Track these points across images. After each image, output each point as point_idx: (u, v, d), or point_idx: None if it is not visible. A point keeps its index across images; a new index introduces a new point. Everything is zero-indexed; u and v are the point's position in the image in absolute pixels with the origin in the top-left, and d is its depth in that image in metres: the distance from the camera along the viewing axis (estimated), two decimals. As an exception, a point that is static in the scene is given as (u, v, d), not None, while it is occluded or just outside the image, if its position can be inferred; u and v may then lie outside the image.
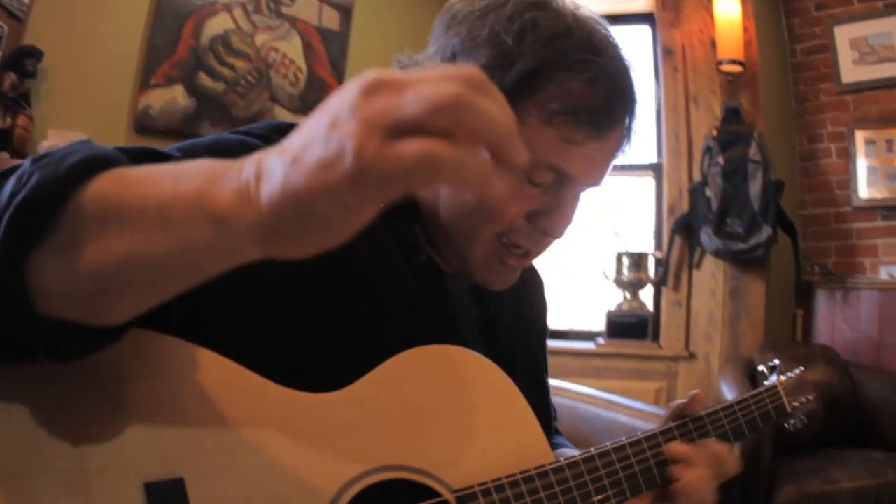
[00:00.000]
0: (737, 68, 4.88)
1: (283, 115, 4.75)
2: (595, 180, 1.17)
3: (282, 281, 1.02)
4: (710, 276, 4.96)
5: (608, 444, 1.23)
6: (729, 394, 4.09)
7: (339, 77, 5.00)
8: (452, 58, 1.13)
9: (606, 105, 1.08)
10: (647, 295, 5.23)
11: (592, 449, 1.20)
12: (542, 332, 1.54)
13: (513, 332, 1.38)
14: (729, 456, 1.30)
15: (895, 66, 5.15)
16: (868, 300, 5.13)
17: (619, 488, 1.20)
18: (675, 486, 1.24)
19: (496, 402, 1.16)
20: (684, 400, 1.36)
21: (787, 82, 5.60)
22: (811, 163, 5.54)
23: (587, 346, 5.07)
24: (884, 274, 5.14)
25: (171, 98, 4.41)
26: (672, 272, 5.02)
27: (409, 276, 1.17)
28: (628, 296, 5.09)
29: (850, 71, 5.31)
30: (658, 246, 5.21)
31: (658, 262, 5.11)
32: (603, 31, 1.11)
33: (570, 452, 1.38)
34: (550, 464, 1.13)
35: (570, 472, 1.14)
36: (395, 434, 1.03)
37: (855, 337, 5.15)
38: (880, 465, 3.76)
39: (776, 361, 1.68)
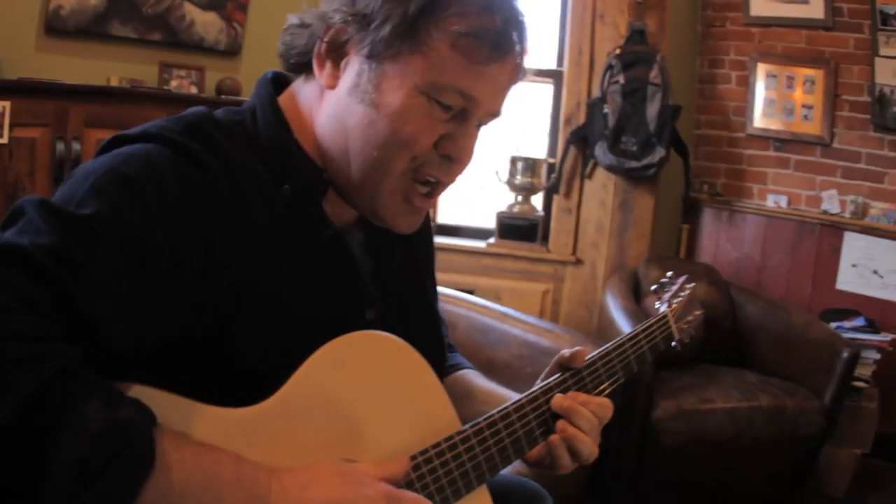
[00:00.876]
0: (647, -10, 5.00)
1: (191, 11, 4.69)
2: (496, 105, 1.29)
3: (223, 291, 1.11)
4: (601, 187, 5.14)
5: (509, 405, 1.37)
6: (612, 303, 4.33)
7: None
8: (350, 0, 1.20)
9: (503, 27, 1.19)
10: (538, 199, 5.37)
11: (495, 412, 1.35)
12: (430, 261, 1.62)
13: (404, 274, 1.47)
14: (609, 406, 1.45)
15: (806, 8, 5.27)
16: (753, 224, 5.39)
17: (518, 446, 1.37)
18: (553, 437, 1.39)
19: (410, 381, 1.26)
20: (566, 353, 1.49)
21: (696, 5, 5.71)
22: (710, 86, 5.70)
23: (478, 244, 5.23)
24: (770, 202, 5.37)
25: None
26: (564, 180, 5.17)
27: (319, 254, 1.25)
28: (520, 199, 5.21)
29: (760, 4, 5.42)
30: (552, 153, 5.34)
31: (551, 168, 5.25)
32: None
33: (470, 372, 1.65)
34: (458, 433, 1.28)
35: (475, 439, 1.29)
36: (325, 434, 1.14)
37: (737, 258, 5.42)
38: (753, 389, 3.96)
39: (669, 274, 1.89)
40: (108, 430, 0.84)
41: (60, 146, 3.81)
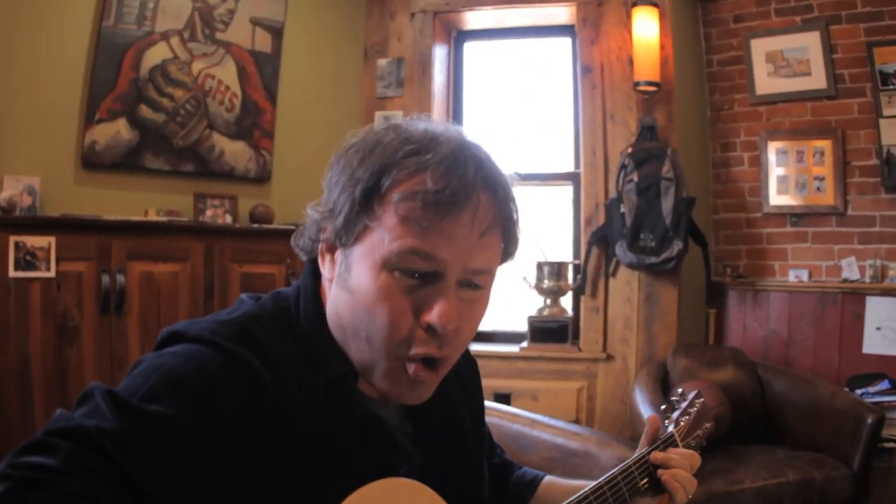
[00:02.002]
0: (653, 88, 5.14)
1: (220, 141, 4.90)
2: (471, 262, 1.23)
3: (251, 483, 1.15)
4: (626, 284, 5.28)
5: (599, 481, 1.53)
6: (640, 399, 4.44)
7: (272, 99, 5.16)
8: (327, 198, 1.28)
9: (439, 185, 1.16)
10: (566, 300, 5.52)
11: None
12: (480, 407, 1.67)
13: (441, 427, 1.47)
14: (695, 455, 1.68)
15: (809, 80, 5.42)
16: (777, 301, 5.49)
17: None
18: (664, 478, 1.60)
19: None
20: (650, 430, 1.72)
21: (703, 92, 5.85)
22: (724, 170, 5.82)
23: (512, 349, 5.38)
24: (792, 277, 5.48)
25: (115, 132, 4.49)
26: (589, 280, 5.31)
27: (353, 435, 1.26)
28: (549, 301, 5.37)
29: (765, 83, 5.58)
30: (576, 255, 5.48)
31: (577, 269, 5.39)
32: (442, 127, 1.26)
33: (548, 479, 1.76)
34: None
35: None
36: None
37: (765, 336, 5.51)
38: (781, 465, 4.06)
39: (679, 391, 1.94)
40: None
41: (105, 278, 4.00)
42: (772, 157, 5.59)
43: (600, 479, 1.53)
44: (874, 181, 5.27)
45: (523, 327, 5.41)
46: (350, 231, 1.22)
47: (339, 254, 1.27)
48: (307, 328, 1.30)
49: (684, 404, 1.90)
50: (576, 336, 5.38)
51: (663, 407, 1.89)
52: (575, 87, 5.56)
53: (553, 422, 3.74)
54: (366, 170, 1.20)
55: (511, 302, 5.64)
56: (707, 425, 1.89)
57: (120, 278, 4.03)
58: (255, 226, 4.81)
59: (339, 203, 1.22)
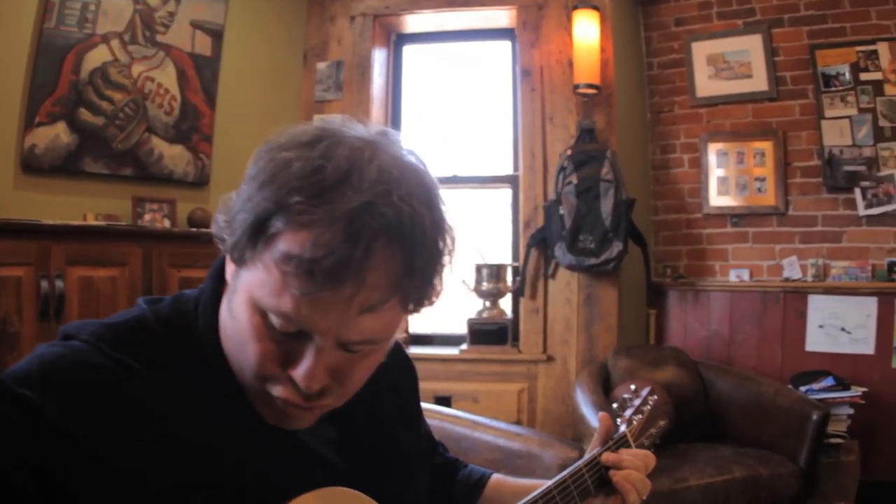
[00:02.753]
0: (593, 91, 5.15)
1: (159, 144, 4.86)
2: (348, 334, 1.07)
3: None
4: (565, 285, 5.27)
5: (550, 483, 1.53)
6: (582, 399, 4.42)
7: (211, 103, 5.13)
8: (228, 208, 1.12)
9: (325, 255, 0.98)
10: (506, 302, 5.50)
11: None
12: (415, 404, 1.60)
13: (370, 430, 1.41)
14: (649, 455, 1.66)
15: (750, 83, 5.48)
16: (718, 301, 5.51)
17: None
18: (616, 479, 1.59)
19: None
20: (602, 430, 1.71)
21: (643, 94, 5.89)
22: (663, 171, 5.85)
23: (452, 351, 5.36)
24: (733, 277, 5.51)
25: (55, 135, 4.42)
26: (529, 282, 5.30)
27: (258, 445, 1.18)
28: (488, 304, 5.36)
29: (706, 85, 5.63)
30: (515, 257, 5.48)
31: (516, 271, 5.38)
32: (372, 162, 1.04)
33: (496, 476, 1.74)
34: None
35: None
36: None
37: (706, 335, 5.53)
38: (727, 462, 4.07)
39: (632, 388, 1.94)
40: None
41: (44, 284, 3.92)
42: (712, 158, 5.62)
43: (549, 483, 1.52)
44: (816, 181, 5.32)
45: (463, 330, 5.39)
46: (241, 255, 1.07)
47: (232, 269, 1.15)
48: (204, 336, 1.20)
49: (637, 402, 1.88)
50: (516, 338, 5.37)
51: (615, 405, 1.87)
52: (514, 89, 5.57)
53: (495, 423, 3.73)
54: (262, 199, 1.02)
55: (450, 304, 5.63)
56: (661, 423, 1.89)
57: (59, 283, 3.96)
58: (194, 230, 4.77)
59: (237, 219, 1.07)
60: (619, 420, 1.83)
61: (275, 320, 1.05)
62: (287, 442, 1.21)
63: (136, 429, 1.07)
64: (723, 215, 5.61)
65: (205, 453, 1.11)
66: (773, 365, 5.35)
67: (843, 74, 5.18)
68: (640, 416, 1.83)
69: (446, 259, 1.11)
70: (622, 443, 1.73)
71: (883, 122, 5.10)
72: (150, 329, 1.19)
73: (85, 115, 4.53)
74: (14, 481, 0.97)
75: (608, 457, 1.62)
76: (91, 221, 4.40)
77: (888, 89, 5.09)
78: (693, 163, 5.71)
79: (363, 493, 1.25)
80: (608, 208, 5.00)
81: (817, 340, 5.24)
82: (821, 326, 5.22)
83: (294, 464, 1.22)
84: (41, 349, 1.12)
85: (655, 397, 1.91)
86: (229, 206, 1.12)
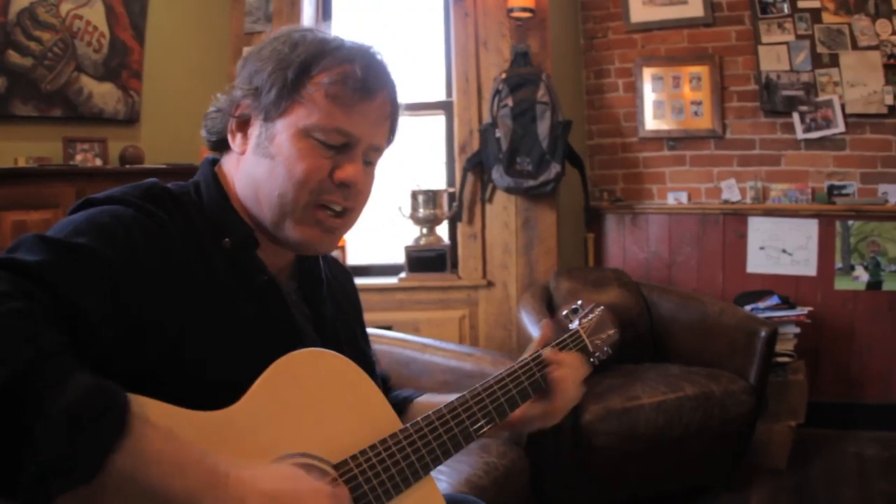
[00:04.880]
0: (527, 14, 5.07)
1: (88, 83, 4.68)
2: (375, 139, 1.52)
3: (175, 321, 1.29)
4: (503, 209, 5.21)
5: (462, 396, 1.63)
6: (527, 319, 4.38)
7: (140, 38, 4.97)
8: (248, 80, 1.48)
9: (363, 73, 1.44)
10: (442, 229, 5.41)
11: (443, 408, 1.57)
12: (359, 313, 1.85)
13: (336, 320, 1.68)
14: (585, 363, 1.80)
15: (685, 9, 5.45)
16: (657, 223, 5.51)
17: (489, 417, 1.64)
18: (553, 374, 1.72)
19: (351, 389, 1.44)
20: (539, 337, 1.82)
21: (576, 21, 5.83)
22: (598, 96, 5.82)
23: (390, 280, 5.27)
24: (671, 199, 5.49)
25: None
26: (466, 207, 5.22)
27: (256, 297, 1.45)
28: (425, 231, 5.25)
29: (640, 11, 5.59)
30: (451, 182, 5.39)
31: (452, 197, 5.29)
32: (353, 40, 1.51)
33: (426, 395, 1.85)
34: (402, 430, 1.47)
35: (416, 435, 1.49)
36: (284, 434, 1.31)
37: (646, 258, 5.52)
38: (678, 380, 4.03)
39: (579, 303, 1.95)
40: (93, 392, 0.98)
41: None
42: (647, 83, 5.59)
43: (479, 385, 1.65)
44: (753, 105, 5.34)
45: (400, 259, 5.30)
46: (278, 106, 1.43)
47: (257, 127, 1.47)
48: (210, 203, 1.48)
49: (586, 310, 1.93)
50: (454, 264, 5.30)
51: (564, 313, 1.93)
52: (447, 15, 5.45)
53: (444, 345, 3.78)
54: (298, 55, 1.42)
55: (387, 233, 5.56)
56: (610, 332, 1.93)
57: None
58: (127, 167, 4.64)
59: (267, 83, 1.43)
60: (570, 325, 1.88)
61: (325, 137, 1.43)
62: (278, 305, 1.49)
63: (172, 255, 1.32)
64: (659, 139, 5.60)
65: (214, 298, 1.36)
66: (714, 286, 5.37)
67: (782, 2, 5.16)
68: (590, 318, 1.90)
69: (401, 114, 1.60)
70: (576, 339, 1.86)
71: (821, 49, 5.11)
72: (168, 191, 1.45)
73: (13, 57, 4.31)
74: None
75: (551, 354, 1.75)
76: (22, 165, 4.23)
77: (826, 17, 5.09)
78: (628, 87, 5.69)
79: None
80: (545, 130, 4.96)
81: (758, 262, 5.28)
82: (762, 248, 5.25)
83: (285, 329, 1.49)
84: (71, 216, 1.30)
85: (602, 308, 1.96)
86: (239, 87, 1.50)
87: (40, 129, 4.50)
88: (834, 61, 5.10)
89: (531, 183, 4.97)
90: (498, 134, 5.01)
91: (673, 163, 5.56)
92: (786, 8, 5.16)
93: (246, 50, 1.61)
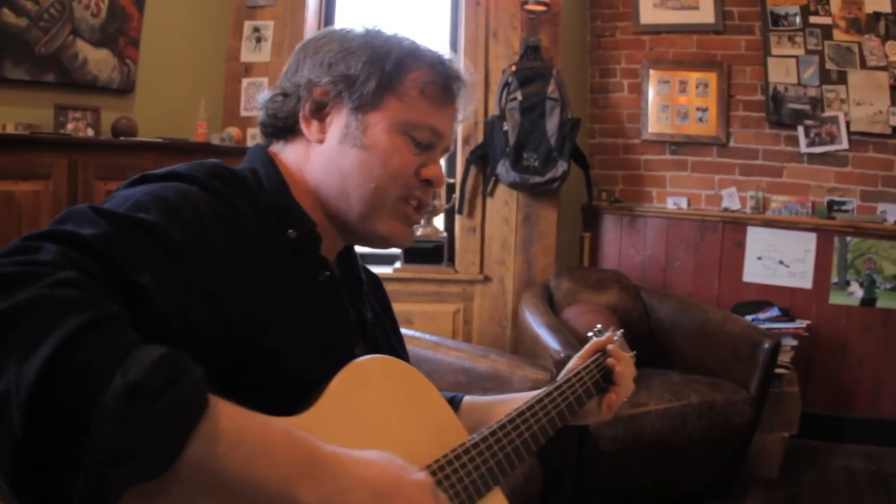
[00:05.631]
0: (542, 7, 5.03)
1: (84, 48, 4.51)
2: (450, 140, 1.49)
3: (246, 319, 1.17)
4: (504, 204, 5.15)
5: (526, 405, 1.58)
6: (532, 319, 4.32)
7: (140, 5, 4.81)
8: (329, 66, 1.40)
9: (453, 78, 1.44)
10: (440, 221, 5.36)
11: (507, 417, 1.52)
12: (393, 319, 1.76)
13: (375, 324, 1.59)
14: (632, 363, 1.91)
15: (696, 14, 5.44)
16: (655, 227, 5.50)
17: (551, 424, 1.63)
18: (617, 371, 1.82)
19: (419, 397, 1.39)
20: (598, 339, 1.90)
21: (585, 18, 5.80)
22: (602, 95, 5.80)
23: (385, 270, 5.18)
24: (671, 204, 5.47)
25: None
26: (466, 199, 5.15)
27: (316, 293, 1.35)
28: (423, 221, 5.15)
29: (650, 13, 5.56)
30: (451, 173, 5.30)
31: (451, 188, 5.23)
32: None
33: (469, 397, 1.79)
34: (471, 440, 1.41)
35: (486, 443, 1.43)
36: (356, 443, 1.12)
37: (642, 261, 5.52)
38: (681, 388, 4.04)
39: (598, 326, 1.98)
40: (164, 361, 0.83)
41: None
42: (653, 85, 5.56)
43: (547, 387, 1.67)
44: (758, 116, 5.35)
45: (395, 249, 5.15)
46: (375, 97, 1.38)
47: (343, 116, 1.41)
48: (272, 191, 1.38)
49: (607, 333, 1.98)
50: (451, 257, 5.23)
51: (589, 334, 1.97)
52: (455, 3, 5.39)
53: (459, 344, 3.75)
54: (394, 49, 1.40)
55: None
56: (630, 354, 1.97)
57: None
58: (122, 139, 4.46)
59: (361, 71, 1.38)
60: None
61: (418, 134, 1.40)
62: (336, 304, 1.41)
63: (243, 236, 1.21)
64: (661, 142, 5.59)
65: (277, 289, 1.25)
66: (709, 293, 5.38)
67: (794, 15, 5.17)
68: (615, 342, 1.94)
69: None
70: (601, 367, 1.87)
71: (830, 65, 5.12)
72: (230, 171, 1.33)
73: (7, 15, 4.13)
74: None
75: (614, 350, 1.86)
76: (11, 132, 4.03)
77: (836, 34, 5.10)
78: (633, 88, 5.67)
79: None
80: (553, 127, 4.91)
81: (755, 271, 5.29)
82: (759, 258, 5.27)
83: (343, 330, 1.41)
84: (127, 191, 1.15)
85: (622, 331, 2.04)
86: (320, 73, 1.41)
87: (31, 95, 4.34)
88: (842, 78, 5.11)
89: (537, 179, 4.92)
90: (505, 127, 4.95)
91: (674, 167, 5.54)
92: (797, 21, 5.15)
93: (310, 38, 1.50)
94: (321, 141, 1.43)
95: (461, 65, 1.48)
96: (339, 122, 1.41)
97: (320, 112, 1.43)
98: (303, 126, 1.43)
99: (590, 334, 1.96)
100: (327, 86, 1.40)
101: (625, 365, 1.85)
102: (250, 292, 1.18)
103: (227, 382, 1.01)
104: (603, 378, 1.82)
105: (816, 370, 5.13)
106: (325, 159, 1.43)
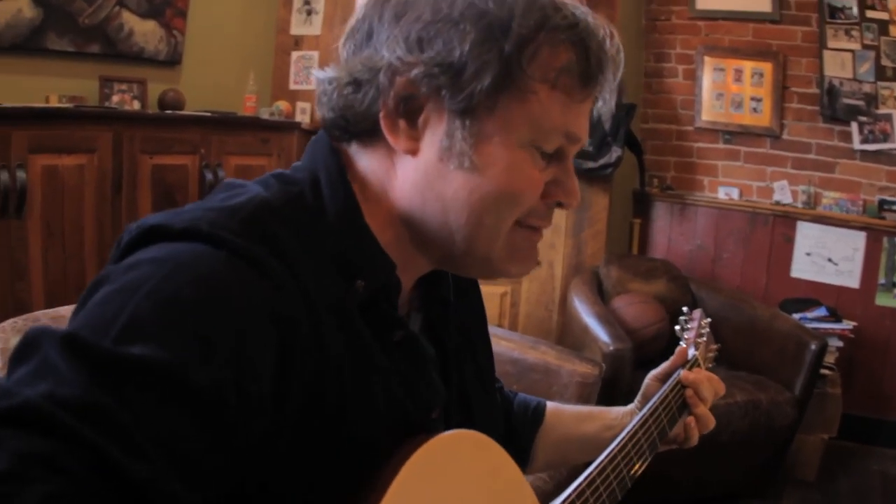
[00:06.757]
0: (600, -14, 4.97)
1: (130, 19, 4.44)
2: (586, 138, 1.11)
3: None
4: (557, 187, 5.09)
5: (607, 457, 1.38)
6: (581, 308, 4.31)
7: None
8: (418, 42, 0.98)
9: (595, 61, 1.02)
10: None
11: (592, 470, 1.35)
12: (484, 326, 1.42)
13: (461, 351, 1.28)
14: (721, 383, 1.68)
15: (753, 2, 5.36)
16: (705, 216, 5.47)
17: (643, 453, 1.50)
18: (696, 411, 1.61)
19: (496, 477, 1.19)
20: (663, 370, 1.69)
21: (640, 0, 5.76)
22: (656, 80, 5.76)
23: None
24: (722, 194, 5.44)
25: (17, 10, 3.93)
26: (520, 182, 5.10)
27: (389, 356, 1.04)
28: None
29: (707, -1, 5.50)
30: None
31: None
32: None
33: (551, 407, 1.63)
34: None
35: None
36: None
37: (690, 250, 5.48)
38: (727, 385, 3.89)
39: (685, 309, 1.92)
40: None
41: (4, 175, 3.42)
42: (707, 72, 5.52)
43: (643, 411, 1.52)
44: (812, 109, 5.27)
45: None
46: (494, 98, 0.98)
47: (444, 122, 1.00)
48: (339, 222, 1.02)
49: (694, 324, 1.85)
50: (505, 238, 5.18)
51: (676, 328, 1.87)
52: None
53: (507, 333, 3.65)
54: (514, 21, 0.96)
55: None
56: (715, 346, 1.88)
57: (20, 174, 3.47)
58: (168, 112, 4.43)
59: (469, 56, 0.95)
60: (681, 343, 1.80)
61: (546, 143, 1.03)
62: (416, 363, 1.09)
63: (294, 347, 0.87)
64: (715, 131, 5.54)
65: (339, 363, 0.93)
66: (757, 287, 5.33)
67: (850, 8, 5.08)
68: (702, 339, 1.82)
69: None
70: (695, 366, 1.74)
71: (886, 62, 5.04)
72: (278, 214, 0.96)
73: None
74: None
75: (688, 375, 1.63)
76: (55, 104, 4.00)
77: (893, 30, 5.02)
78: (688, 74, 5.61)
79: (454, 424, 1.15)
80: (608, 112, 4.84)
81: (803, 268, 5.25)
82: (808, 254, 5.22)
83: (419, 393, 1.09)
84: (126, 274, 0.82)
85: (709, 320, 1.90)
86: (402, 51, 0.99)
87: (75, 66, 4.30)
88: (897, 76, 5.04)
89: (591, 165, 4.90)
90: (560, 111, 4.88)
91: (727, 157, 5.50)
92: (854, 14, 5.08)
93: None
94: (413, 152, 1.03)
95: (600, 28, 1.03)
96: (437, 126, 1.01)
97: (408, 109, 1.02)
98: (385, 129, 1.03)
99: (677, 327, 1.87)
100: (418, 76, 0.98)
101: (704, 391, 1.62)
102: (299, 393, 0.88)
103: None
104: (682, 405, 1.64)
105: (858, 372, 5.08)
106: (419, 179, 1.04)
